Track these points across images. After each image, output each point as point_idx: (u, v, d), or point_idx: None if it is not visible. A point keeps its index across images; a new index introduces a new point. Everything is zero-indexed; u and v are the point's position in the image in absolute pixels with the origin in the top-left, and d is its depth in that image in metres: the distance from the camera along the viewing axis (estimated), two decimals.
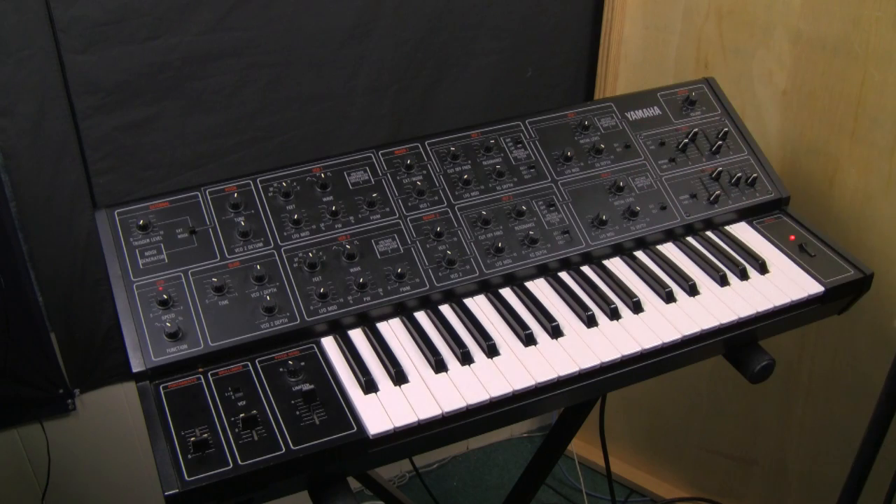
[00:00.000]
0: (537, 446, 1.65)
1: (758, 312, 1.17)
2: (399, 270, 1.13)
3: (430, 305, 1.15)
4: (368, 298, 1.11)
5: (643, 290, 1.19)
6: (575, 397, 1.11)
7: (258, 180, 1.17)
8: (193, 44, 1.52)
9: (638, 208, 1.26)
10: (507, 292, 1.18)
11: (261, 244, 1.12)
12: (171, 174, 1.61)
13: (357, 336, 1.09)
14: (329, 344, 1.07)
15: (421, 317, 1.13)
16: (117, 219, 1.10)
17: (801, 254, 1.27)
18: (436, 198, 1.21)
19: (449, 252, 1.16)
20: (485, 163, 1.26)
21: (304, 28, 1.61)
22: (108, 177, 1.56)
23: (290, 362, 1.02)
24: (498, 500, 1.86)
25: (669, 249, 1.28)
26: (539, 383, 1.04)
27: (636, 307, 1.16)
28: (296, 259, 1.12)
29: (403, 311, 1.13)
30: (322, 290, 1.09)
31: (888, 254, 1.62)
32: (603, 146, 1.31)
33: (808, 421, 1.93)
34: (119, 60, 1.47)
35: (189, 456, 0.90)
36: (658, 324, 1.14)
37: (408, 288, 1.13)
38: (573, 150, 1.30)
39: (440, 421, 1.00)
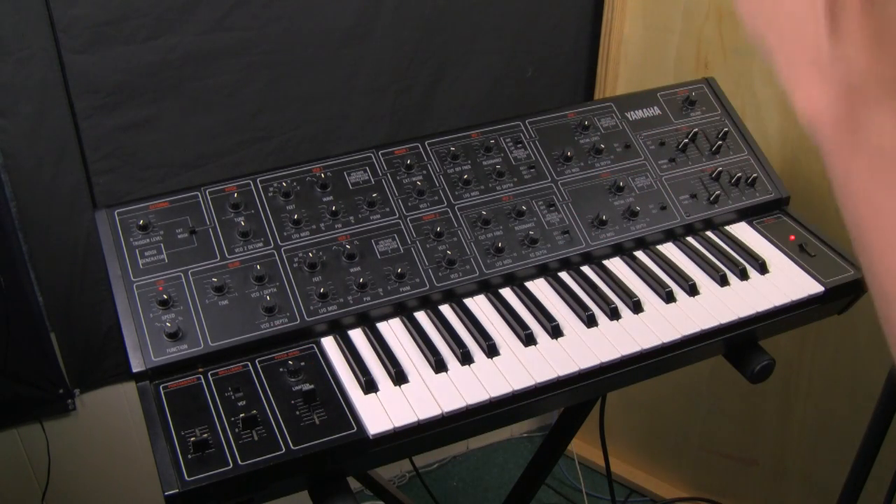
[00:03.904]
0: (537, 446, 1.65)
1: (758, 312, 1.17)
2: (399, 270, 1.13)
3: (430, 305, 1.15)
4: (368, 298, 1.11)
5: (643, 290, 1.19)
6: (575, 397, 1.11)
7: (258, 180, 1.17)
8: (193, 44, 1.52)
9: (638, 208, 1.26)
10: (507, 292, 1.18)
11: (261, 244, 1.12)
12: (171, 174, 1.61)
13: (357, 336, 1.09)
14: (329, 344, 1.07)
15: (421, 317, 1.13)
16: (117, 219, 1.10)
17: (801, 254, 1.27)
18: (436, 198, 1.21)
19: (449, 252, 1.16)
20: (485, 163, 1.26)
21: (304, 28, 1.61)
22: (108, 177, 1.56)
23: (290, 362, 1.02)
24: (498, 500, 1.86)
25: (669, 249, 1.28)
26: (539, 383, 1.04)
27: (636, 307, 1.16)
28: (296, 259, 1.11)
29: (403, 311, 1.13)
30: (322, 290, 1.09)
31: None
32: (603, 146, 1.31)
33: (808, 421, 1.93)
34: (119, 60, 1.47)
35: (189, 456, 0.90)
36: (658, 324, 1.14)
37: (408, 288, 1.13)
38: (573, 150, 1.30)
39: (440, 421, 0.99)
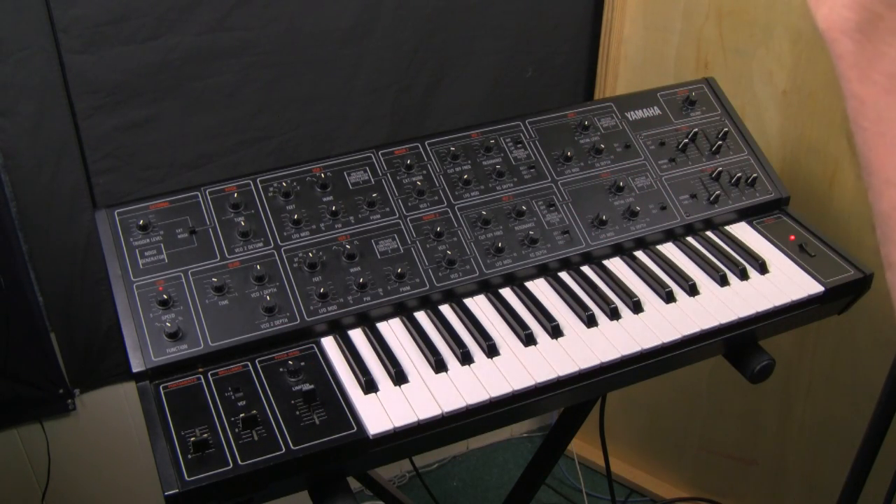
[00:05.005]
0: (537, 446, 1.65)
1: (758, 312, 1.17)
2: (399, 270, 1.13)
3: (430, 305, 1.15)
4: (368, 298, 1.11)
5: (643, 290, 1.19)
6: (575, 397, 1.11)
7: (258, 180, 1.17)
8: (193, 44, 1.52)
9: (638, 208, 1.26)
10: (507, 292, 1.18)
11: (261, 244, 1.12)
12: (171, 174, 1.61)
13: (357, 336, 1.09)
14: (329, 344, 1.07)
15: (421, 317, 1.13)
16: (117, 219, 1.10)
17: (801, 254, 1.27)
18: (436, 198, 1.21)
19: (449, 252, 1.16)
20: (485, 163, 1.26)
21: (304, 28, 1.61)
22: (108, 177, 1.56)
23: (290, 362, 1.02)
24: (498, 500, 1.86)
25: (669, 249, 1.28)
26: (539, 383, 1.04)
27: (636, 307, 1.16)
28: (296, 259, 1.12)
29: (403, 311, 1.13)
30: (322, 290, 1.09)
31: None
32: (603, 146, 1.31)
33: (808, 421, 1.93)
34: (119, 60, 1.47)
35: (189, 456, 0.90)
36: (658, 324, 1.14)
37: (408, 288, 1.13)
38: (573, 150, 1.30)
39: (440, 421, 1.00)
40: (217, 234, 1.12)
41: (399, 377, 1.03)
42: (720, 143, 1.36)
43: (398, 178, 1.22)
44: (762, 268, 1.24)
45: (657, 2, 1.83)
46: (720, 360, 1.25)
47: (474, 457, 2.47)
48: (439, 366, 1.05)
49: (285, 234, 1.13)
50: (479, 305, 1.16)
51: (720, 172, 1.33)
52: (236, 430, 0.93)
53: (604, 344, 1.10)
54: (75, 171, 1.53)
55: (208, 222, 1.12)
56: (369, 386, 1.01)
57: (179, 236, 1.10)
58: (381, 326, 1.11)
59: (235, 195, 1.15)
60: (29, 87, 1.43)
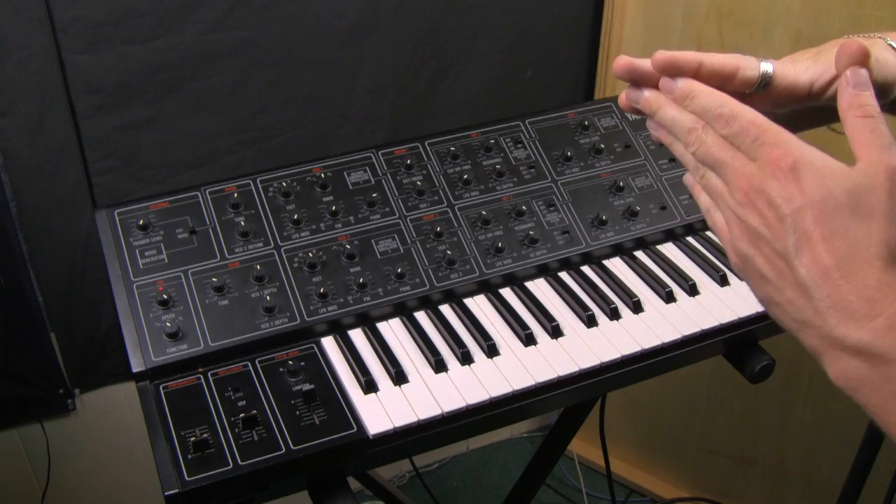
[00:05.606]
0: (537, 446, 1.65)
1: (758, 312, 1.17)
2: (399, 270, 1.13)
3: (430, 305, 1.15)
4: (368, 298, 1.11)
5: (643, 290, 1.19)
6: (575, 397, 1.11)
7: (258, 180, 1.17)
8: (193, 44, 1.52)
9: (638, 208, 1.26)
10: (507, 292, 1.18)
11: (261, 244, 1.12)
12: (171, 174, 1.61)
13: (357, 336, 1.09)
14: (329, 344, 1.07)
15: (421, 317, 1.13)
16: (117, 219, 1.10)
17: None
18: (436, 198, 1.21)
19: (449, 252, 1.16)
20: (485, 163, 1.26)
21: (304, 28, 1.61)
22: (108, 177, 1.56)
23: (290, 362, 1.02)
24: (498, 500, 1.86)
25: (669, 249, 1.28)
26: (539, 383, 1.04)
27: (636, 307, 1.16)
28: (296, 259, 1.12)
29: (403, 311, 1.13)
30: (322, 290, 1.09)
31: None
32: (603, 146, 1.31)
33: (808, 421, 1.93)
34: (119, 60, 1.47)
35: (189, 456, 0.90)
36: (658, 324, 1.14)
37: (408, 288, 1.13)
38: (573, 150, 1.30)
39: (440, 421, 1.00)
40: (217, 234, 1.12)
41: (399, 377, 1.03)
42: None
43: (398, 178, 1.22)
44: None
45: (657, 2, 1.83)
46: (720, 360, 1.25)
47: (474, 457, 2.47)
48: (439, 366, 1.05)
49: (285, 234, 1.13)
50: (479, 305, 1.16)
51: None
52: (236, 430, 0.93)
53: (604, 344, 1.10)
54: (75, 171, 1.53)
55: (208, 222, 1.12)
56: (369, 386, 1.01)
57: (179, 236, 1.10)
58: (381, 326, 1.11)
59: (235, 195, 1.15)
60: (29, 87, 1.43)
